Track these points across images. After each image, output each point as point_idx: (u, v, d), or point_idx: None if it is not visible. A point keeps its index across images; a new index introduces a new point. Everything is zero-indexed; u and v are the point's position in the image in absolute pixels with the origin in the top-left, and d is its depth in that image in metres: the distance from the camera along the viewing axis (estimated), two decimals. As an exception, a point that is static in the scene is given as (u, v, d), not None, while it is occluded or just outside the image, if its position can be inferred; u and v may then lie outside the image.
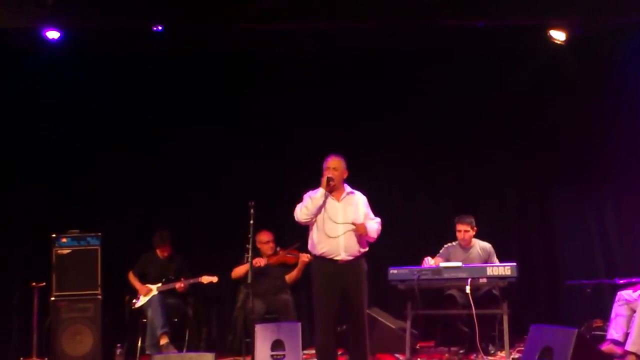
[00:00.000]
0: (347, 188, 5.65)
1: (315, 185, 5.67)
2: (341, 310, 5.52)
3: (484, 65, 7.50)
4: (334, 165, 5.53)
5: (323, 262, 5.49)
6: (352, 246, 5.48)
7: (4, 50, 6.88)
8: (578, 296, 6.94)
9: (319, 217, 5.49)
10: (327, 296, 5.44)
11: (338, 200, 5.56)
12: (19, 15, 6.09)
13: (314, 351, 6.43)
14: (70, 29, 6.46)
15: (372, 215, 5.68)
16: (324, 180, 5.49)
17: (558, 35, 6.88)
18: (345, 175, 5.60)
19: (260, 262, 6.81)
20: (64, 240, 6.89)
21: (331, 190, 5.52)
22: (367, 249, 5.61)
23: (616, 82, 7.41)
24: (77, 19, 6.13)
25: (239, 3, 6.08)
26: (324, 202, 5.48)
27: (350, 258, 5.48)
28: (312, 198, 5.47)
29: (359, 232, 5.45)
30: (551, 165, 7.70)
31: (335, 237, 5.44)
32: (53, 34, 6.52)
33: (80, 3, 5.89)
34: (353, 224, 5.46)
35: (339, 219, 5.47)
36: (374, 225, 5.57)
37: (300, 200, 5.64)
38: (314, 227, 5.54)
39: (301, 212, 5.49)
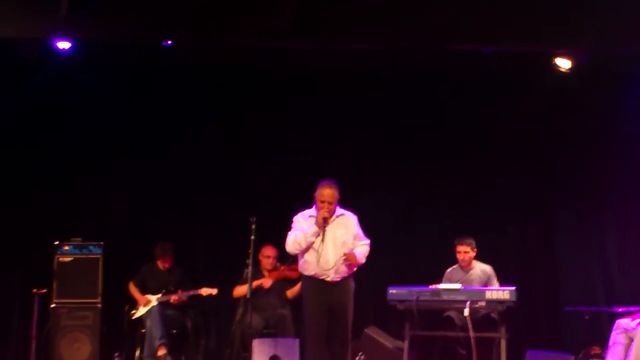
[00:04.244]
0: (338, 210, 5.71)
1: (310, 205, 5.70)
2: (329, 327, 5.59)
3: (486, 88, 7.52)
4: (329, 200, 5.57)
5: (312, 281, 5.63)
6: (341, 268, 5.60)
7: (16, 60, 6.96)
8: (577, 323, 6.94)
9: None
10: (315, 313, 5.57)
11: (328, 222, 5.63)
12: (32, 26, 6.17)
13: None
14: (81, 40, 6.54)
15: (362, 235, 5.76)
16: (319, 219, 5.55)
17: (563, 64, 6.89)
18: (338, 201, 5.65)
19: (266, 283, 6.84)
20: (67, 248, 6.94)
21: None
22: (355, 269, 5.70)
23: (620, 108, 7.42)
24: (88, 31, 6.19)
25: (247, 19, 6.13)
26: (319, 233, 5.57)
27: (339, 278, 5.59)
28: (305, 235, 5.56)
29: (350, 262, 5.56)
30: (553, 191, 7.71)
31: (325, 260, 5.54)
32: (64, 45, 6.60)
33: (92, 16, 5.96)
34: (344, 254, 5.55)
35: (328, 242, 5.56)
36: (362, 250, 5.67)
37: (290, 223, 5.70)
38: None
39: (292, 246, 5.61)
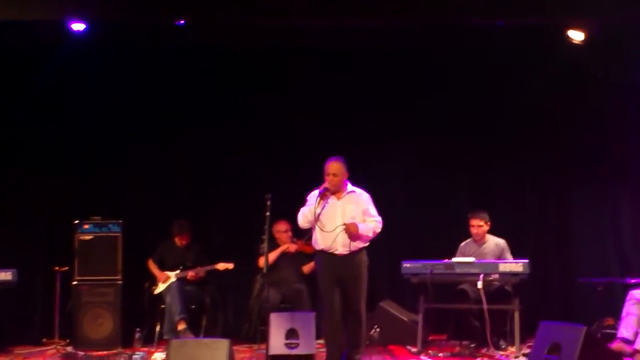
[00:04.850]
0: (349, 187, 5.81)
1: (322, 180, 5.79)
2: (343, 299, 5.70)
3: (501, 64, 7.53)
4: (333, 171, 5.71)
5: (323, 255, 5.76)
6: (349, 242, 5.67)
7: (31, 42, 7.05)
8: (590, 294, 6.99)
9: (321, 217, 5.69)
10: (327, 286, 5.70)
11: (338, 199, 5.75)
12: (47, 8, 6.25)
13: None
14: (96, 21, 6.61)
15: (373, 212, 5.81)
16: (321, 188, 5.68)
17: (576, 35, 6.88)
18: (345, 177, 5.76)
19: (292, 247, 6.97)
20: (87, 226, 7.06)
21: (332, 193, 5.70)
22: (366, 244, 5.77)
23: (635, 81, 7.38)
24: (103, 12, 6.28)
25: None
26: (324, 205, 5.67)
27: (347, 252, 5.69)
28: (310, 207, 5.69)
29: (350, 231, 5.62)
30: (568, 163, 7.73)
31: (332, 234, 5.65)
32: (78, 26, 6.67)
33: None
34: (344, 224, 5.63)
35: (338, 217, 5.68)
36: (369, 225, 5.72)
37: (304, 201, 5.78)
38: (316, 225, 5.74)
39: (301, 219, 5.76)
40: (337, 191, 5.74)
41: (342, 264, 5.68)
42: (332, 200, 5.73)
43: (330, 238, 5.67)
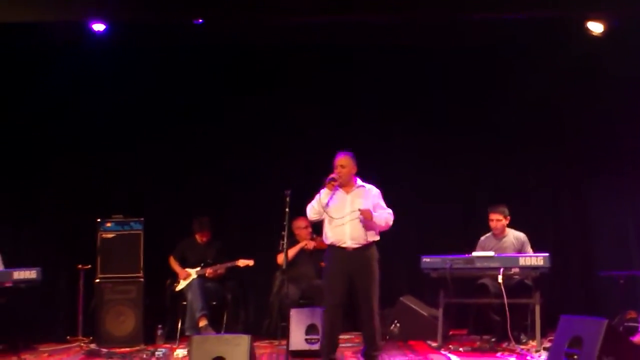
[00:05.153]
0: (358, 182, 5.81)
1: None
2: (349, 294, 5.67)
3: (519, 57, 7.50)
4: (342, 163, 5.72)
5: (333, 249, 5.74)
6: (358, 235, 5.66)
7: (52, 42, 7.14)
8: (611, 287, 6.95)
9: (329, 209, 5.70)
10: (333, 279, 5.67)
11: (347, 193, 5.75)
12: (67, 9, 6.33)
13: (348, 335, 6.61)
14: (115, 21, 6.68)
15: (383, 206, 5.80)
16: (327, 180, 5.70)
17: (595, 27, 6.82)
18: (354, 171, 5.77)
19: (310, 244, 7.00)
20: (109, 224, 7.15)
21: (340, 186, 5.72)
22: (377, 238, 5.75)
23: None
24: (123, 12, 6.34)
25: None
26: (332, 196, 5.68)
27: (357, 246, 5.67)
28: (317, 200, 5.71)
29: (364, 216, 5.61)
30: (587, 156, 7.69)
31: (341, 227, 5.65)
32: (99, 26, 6.75)
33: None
34: (359, 209, 5.62)
35: (347, 210, 5.67)
36: (382, 214, 5.72)
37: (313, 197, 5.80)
38: (325, 219, 5.76)
39: (309, 212, 5.78)
40: (345, 185, 5.74)
41: (352, 258, 5.65)
42: (340, 193, 5.73)
43: (339, 230, 5.66)
